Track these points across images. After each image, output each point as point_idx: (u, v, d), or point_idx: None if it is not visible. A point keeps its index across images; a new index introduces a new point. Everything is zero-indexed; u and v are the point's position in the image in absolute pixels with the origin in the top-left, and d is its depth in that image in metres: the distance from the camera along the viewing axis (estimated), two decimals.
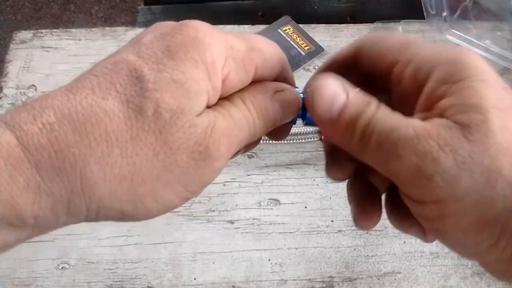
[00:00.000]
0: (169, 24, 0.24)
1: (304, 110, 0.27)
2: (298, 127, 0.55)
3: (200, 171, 0.23)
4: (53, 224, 0.22)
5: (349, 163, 0.28)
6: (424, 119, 0.22)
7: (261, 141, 0.60)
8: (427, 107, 0.23)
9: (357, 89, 0.24)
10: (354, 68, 0.27)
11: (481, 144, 0.20)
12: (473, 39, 0.63)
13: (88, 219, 0.22)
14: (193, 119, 0.22)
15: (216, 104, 0.24)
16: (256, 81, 0.26)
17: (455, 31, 0.65)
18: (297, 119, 0.28)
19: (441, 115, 0.22)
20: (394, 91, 0.25)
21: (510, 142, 0.21)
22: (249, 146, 0.29)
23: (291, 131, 0.55)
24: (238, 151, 0.28)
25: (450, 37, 0.65)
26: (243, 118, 0.24)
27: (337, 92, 0.23)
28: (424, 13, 0.64)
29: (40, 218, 0.21)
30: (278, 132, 0.29)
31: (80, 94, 0.21)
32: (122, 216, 0.23)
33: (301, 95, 0.27)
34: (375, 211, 0.27)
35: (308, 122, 0.28)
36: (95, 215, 0.22)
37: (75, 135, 0.21)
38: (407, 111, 0.23)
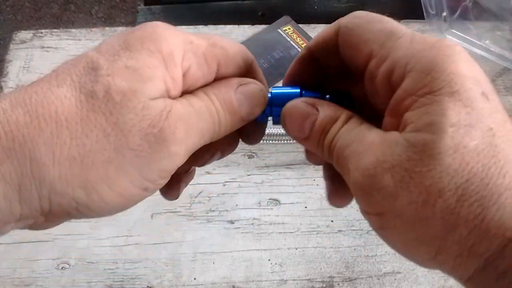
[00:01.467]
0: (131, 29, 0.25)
1: (271, 109, 0.27)
2: None
3: (155, 155, 0.22)
4: (8, 214, 0.21)
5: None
6: (390, 127, 0.23)
7: (261, 141, 0.60)
8: (395, 115, 0.22)
9: (328, 103, 0.26)
10: (336, 51, 0.26)
11: (424, 165, 0.20)
12: (473, 39, 0.63)
13: (43, 211, 0.22)
14: (146, 101, 0.22)
15: (179, 97, 0.24)
16: (220, 78, 0.26)
17: (455, 31, 0.65)
18: (268, 119, 0.28)
19: (402, 129, 0.22)
20: (367, 84, 0.25)
21: (461, 164, 0.20)
22: (225, 149, 0.29)
23: None
24: (210, 157, 0.29)
25: (450, 37, 0.65)
26: (205, 107, 0.24)
27: (307, 112, 0.25)
28: (424, 13, 0.64)
29: None
30: (252, 133, 0.29)
31: (37, 85, 0.22)
32: (76, 206, 0.22)
33: (269, 94, 0.27)
34: (347, 190, 0.27)
35: (276, 121, 0.28)
36: (48, 205, 0.22)
37: (25, 117, 0.21)
38: (380, 108, 0.24)
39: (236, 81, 0.26)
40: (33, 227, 0.23)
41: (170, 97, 0.23)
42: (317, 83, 0.28)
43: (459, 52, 0.22)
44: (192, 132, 0.24)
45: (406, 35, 0.23)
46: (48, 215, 0.22)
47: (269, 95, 0.27)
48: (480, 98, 0.21)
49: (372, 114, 0.25)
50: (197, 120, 0.24)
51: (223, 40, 0.26)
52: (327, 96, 0.27)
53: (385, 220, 0.22)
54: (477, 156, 0.20)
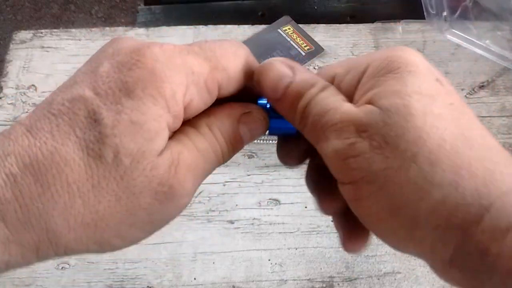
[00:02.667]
0: (127, 49, 0.23)
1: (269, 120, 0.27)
2: None
3: (165, 210, 0.23)
4: (24, 265, 0.22)
5: (365, 233, 0.27)
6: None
7: (261, 141, 0.59)
8: (361, 97, 0.23)
9: (306, 69, 0.26)
10: None
11: (398, 128, 0.20)
12: (473, 39, 0.63)
13: (57, 257, 0.23)
14: (154, 160, 0.22)
15: (179, 130, 0.24)
16: (221, 99, 0.25)
17: (455, 31, 0.65)
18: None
19: (369, 102, 0.22)
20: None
21: (431, 127, 0.20)
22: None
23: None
24: None
25: (450, 37, 0.65)
26: (210, 147, 0.24)
27: (283, 73, 0.25)
28: (424, 13, 0.64)
29: (11, 263, 0.21)
30: None
31: (40, 139, 0.21)
32: (88, 252, 0.23)
33: (267, 105, 0.27)
34: (363, 234, 0.27)
35: (272, 132, 0.27)
36: (63, 255, 0.23)
37: (37, 188, 0.21)
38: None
39: (239, 110, 0.26)
40: None
41: (170, 130, 0.23)
42: None
43: (411, 50, 0.23)
44: (200, 178, 0.24)
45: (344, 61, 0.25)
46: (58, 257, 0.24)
47: (267, 105, 0.27)
48: (435, 82, 0.22)
49: None
50: (204, 163, 0.24)
51: (225, 55, 0.25)
52: None
53: (358, 189, 0.22)
54: (444, 123, 0.20)
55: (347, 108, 0.23)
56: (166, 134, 0.22)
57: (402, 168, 0.20)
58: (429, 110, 0.21)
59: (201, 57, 0.24)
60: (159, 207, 0.23)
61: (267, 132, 0.28)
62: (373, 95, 0.22)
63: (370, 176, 0.21)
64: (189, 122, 0.24)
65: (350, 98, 0.24)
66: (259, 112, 0.26)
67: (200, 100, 0.24)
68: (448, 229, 0.20)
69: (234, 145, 0.25)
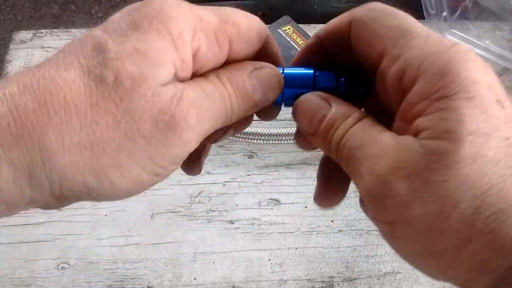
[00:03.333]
0: (139, 2, 0.23)
1: (283, 91, 0.26)
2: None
3: (167, 142, 0.22)
4: (18, 198, 0.21)
5: (341, 193, 0.27)
6: (400, 131, 0.22)
7: (261, 141, 0.59)
8: (406, 119, 0.22)
9: (343, 101, 0.25)
10: (348, 42, 0.25)
11: (441, 174, 0.19)
12: (473, 39, 0.63)
13: (54, 195, 0.22)
14: (157, 87, 0.21)
15: (189, 80, 0.24)
16: (233, 61, 0.25)
17: (455, 31, 0.65)
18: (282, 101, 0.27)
19: (415, 134, 0.21)
20: (378, 82, 0.24)
21: (479, 174, 0.19)
22: (238, 126, 0.28)
23: (291, 131, 0.55)
24: (223, 134, 0.28)
25: (450, 37, 0.65)
26: (217, 92, 0.24)
27: (319, 105, 0.25)
28: (424, 13, 0.64)
29: (4, 190, 0.21)
30: (267, 111, 0.28)
31: (44, 68, 0.21)
32: (87, 192, 0.22)
33: (283, 72, 0.26)
34: (339, 193, 0.27)
35: (287, 103, 0.27)
36: (59, 190, 0.21)
37: (33, 104, 0.20)
38: (391, 108, 0.24)
39: (250, 65, 0.25)
40: (44, 207, 0.23)
41: (179, 79, 0.23)
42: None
43: (474, 58, 0.21)
44: (204, 118, 0.23)
45: (421, 35, 0.22)
46: (59, 199, 0.22)
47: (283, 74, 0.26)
48: (495, 106, 0.20)
49: (382, 113, 0.24)
50: (209, 105, 0.23)
51: (236, 13, 0.24)
52: (342, 79, 0.26)
53: (396, 229, 0.21)
54: (494, 167, 0.19)
55: (384, 142, 0.21)
56: (171, 68, 0.22)
57: (442, 214, 0.19)
58: (480, 155, 0.19)
59: (210, 11, 0.24)
60: (160, 138, 0.22)
61: (283, 103, 0.27)
62: (423, 129, 0.20)
63: (407, 220, 0.20)
64: (198, 76, 0.24)
65: (392, 99, 0.23)
66: (272, 68, 0.26)
67: (209, 51, 0.23)
68: (483, 272, 0.19)
69: (244, 99, 0.24)
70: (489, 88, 0.20)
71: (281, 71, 0.26)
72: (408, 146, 0.20)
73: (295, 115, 0.26)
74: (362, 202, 0.25)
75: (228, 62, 0.25)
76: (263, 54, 0.26)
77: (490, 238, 0.19)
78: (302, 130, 0.26)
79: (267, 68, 0.25)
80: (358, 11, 0.24)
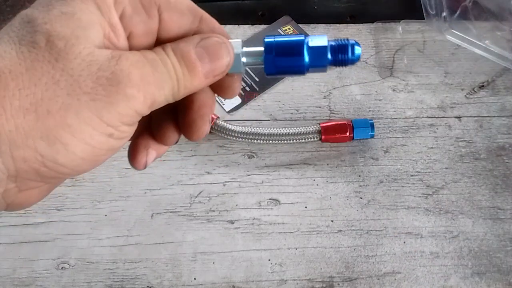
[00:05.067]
0: None
1: (264, 57, 0.26)
2: (298, 127, 0.55)
3: (111, 98, 0.22)
4: None
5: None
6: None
7: (261, 142, 0.59)
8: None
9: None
10: None
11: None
12: (473, 39, 0.63)
13: (9, 173, 0.21)
14: (91, 48, 0.22)
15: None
16: (176, 35, 0.25)
17: (455, 31, 0.65)
18: (239, 71, 0.27)
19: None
20: None
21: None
22: (201, 108, 0.28)
23: (291, 131, 0.55)
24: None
25: (450, 37, 0.65)
26: (159, 59, 0.24)
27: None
28: (424, 13, 0.64)
29: None
30: (225, 86, 0.28)
31: None
32: (42, 160, 0.21)
33: (273, 42, 0.26)
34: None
35: (269, 73, 0.26)
36: (13, 162, 0.21)
37: None
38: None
39: (198, 37, 0.25)
40: (6, 197, 0.23)
41: (113, 44, 0.23)
42: None
43: None
44: (149, 80, 0.23)
45: None
46: (18, 179, 0.22)
47: (271, 41, 0.26)
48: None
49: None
50: (152, 70, 0.23)
51: None
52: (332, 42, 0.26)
53: None
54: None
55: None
56: (99, 30, 0.22)
57: None
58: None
59: None
60: (103, 93, 0.21)
61: (267, 73, 0.26)
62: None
63: None
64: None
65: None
66: (220, 37, 0.26)
67: (135, 14, 0.24)
68: None
69: (189, 68, 0.24)
70: None
71: (272, 39, 0.26)
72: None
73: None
74: None
75: (168, 35, 0.25)
76: (206, 31, 0.26)
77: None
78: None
79: (214, 37, 0.25)
80: None
